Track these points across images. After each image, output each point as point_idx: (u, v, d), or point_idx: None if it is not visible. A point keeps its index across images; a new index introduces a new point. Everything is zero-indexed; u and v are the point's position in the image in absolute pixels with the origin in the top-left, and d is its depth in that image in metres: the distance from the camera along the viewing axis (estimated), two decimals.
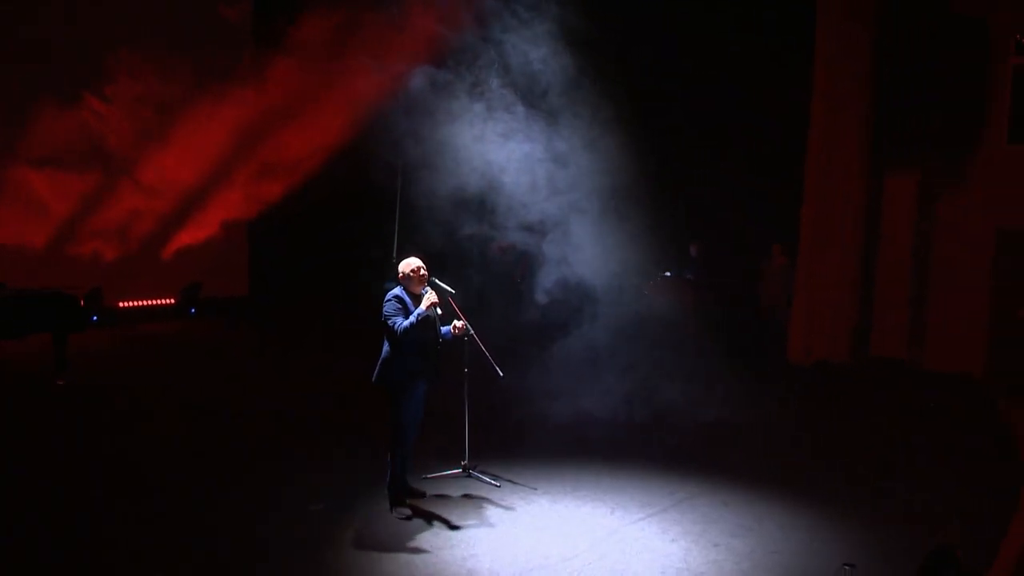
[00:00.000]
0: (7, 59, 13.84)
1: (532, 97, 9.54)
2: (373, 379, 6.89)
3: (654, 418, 9.54)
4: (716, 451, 8.79)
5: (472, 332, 7.37)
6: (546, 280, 10.75)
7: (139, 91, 14.82)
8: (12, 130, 13.90)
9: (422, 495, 7.22)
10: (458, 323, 7.07)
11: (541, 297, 11.04)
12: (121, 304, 15.82)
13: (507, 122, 9.37)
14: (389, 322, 6.70)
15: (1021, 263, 12.89)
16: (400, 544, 6.33)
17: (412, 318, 6.70)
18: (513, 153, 9.46)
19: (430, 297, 6.80)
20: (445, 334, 7.05)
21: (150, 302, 16.34)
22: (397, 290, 6.87)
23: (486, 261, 15.10)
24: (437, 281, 7.07)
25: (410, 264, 6.92)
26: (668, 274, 14.75)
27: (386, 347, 6.84)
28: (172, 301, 16.58)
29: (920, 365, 13.14)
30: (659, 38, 13.93)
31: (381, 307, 6.81)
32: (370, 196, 14.94)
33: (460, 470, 7.71)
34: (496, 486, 7.52)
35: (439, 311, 6.90)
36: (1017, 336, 12.45)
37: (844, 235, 13.13)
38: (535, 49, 9.28)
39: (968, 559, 5.92)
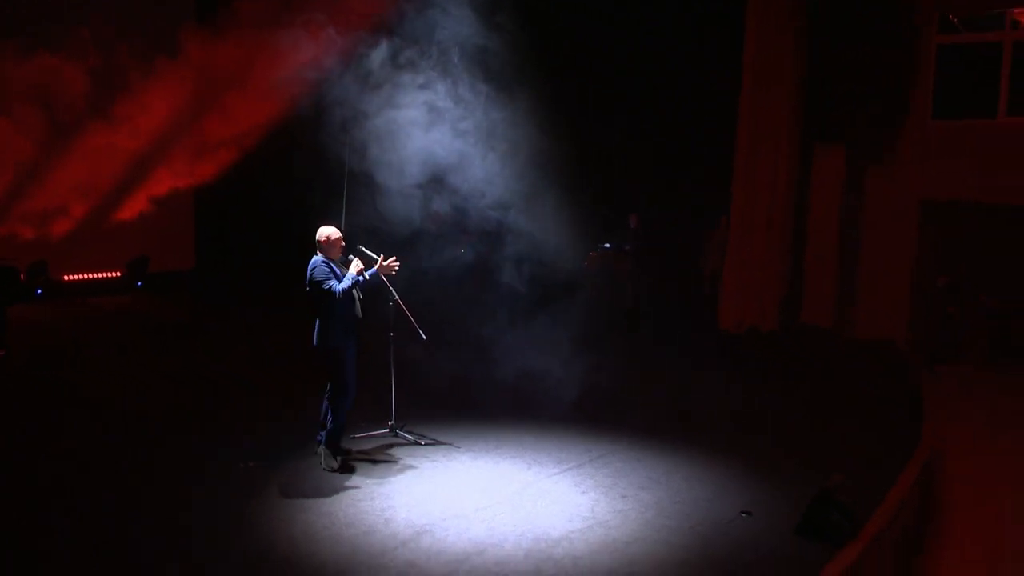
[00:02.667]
0: None
1: (463, 76, 9.68)
2: (314, 342, 7.15)
3: (581, 384, 9.77)
4: (635, 413, 9.15)
5: (397, 297, 7.64)
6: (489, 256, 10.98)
7: (89, 62, 14.65)
8: None
9: (347, 452, 7.48)
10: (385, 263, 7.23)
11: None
12: (66, 277, 15.79)
13: (437, 99, 9.53)
14: (324, 286, 6.94)
15: (944, 233, 13.42)
16: (322, 496, 6.62)
17: (347, 281, 6.97)
18: (444, 131, 9.63)
19: (357, 263, 7.10)
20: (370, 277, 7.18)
21: (96, 275, 16.33)
22: (321, 257, 7.10)
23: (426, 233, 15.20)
24: (364, 248, 7.35)
25: (330, 231, 7.16)
26: (607, 246, 15.00)
27: (321, 313, 7.09)
28: (118, 274, 16.60)
29: (847, 333, 13.61)
30: (589, 14, 14.09)
31: (307, 276, 7.05)
32: (319, 167, 14.95)
33: (387, 430, 7.99)
34: (420, 444, 7.82)
35: (367, 275, 7.19)
36: (937, 305, 13.00)
37: (774, 207, 13.51)
38: (462, 28, 9.43)
39: (857, 505, 6.34)
